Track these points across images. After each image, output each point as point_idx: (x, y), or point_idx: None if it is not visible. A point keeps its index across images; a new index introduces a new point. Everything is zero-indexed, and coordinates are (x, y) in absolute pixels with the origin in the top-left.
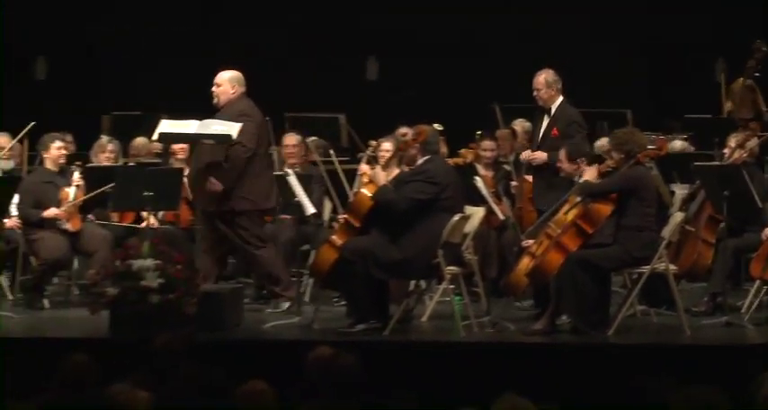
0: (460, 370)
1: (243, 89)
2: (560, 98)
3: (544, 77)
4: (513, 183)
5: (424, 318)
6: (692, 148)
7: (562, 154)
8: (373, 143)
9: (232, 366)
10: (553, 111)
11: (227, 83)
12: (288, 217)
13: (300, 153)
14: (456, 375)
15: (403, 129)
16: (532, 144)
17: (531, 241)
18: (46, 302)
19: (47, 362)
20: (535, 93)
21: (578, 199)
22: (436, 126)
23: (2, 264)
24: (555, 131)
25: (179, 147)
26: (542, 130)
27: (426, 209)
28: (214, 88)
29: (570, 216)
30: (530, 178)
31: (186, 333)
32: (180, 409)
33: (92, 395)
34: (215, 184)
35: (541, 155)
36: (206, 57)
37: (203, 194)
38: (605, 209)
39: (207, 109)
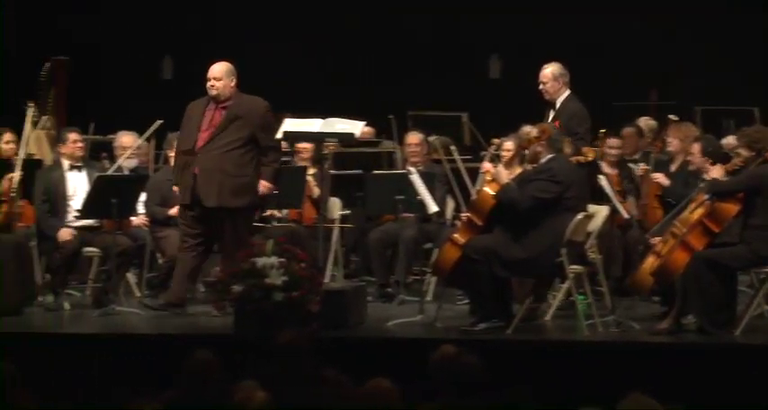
0: (584, 370)
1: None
2: (566, 92)
3: (551, 71)
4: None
5: (548, 317)
6: None
7: (695, 148)
8: (496, 141)
9: (355, 364)
10: (558, 104)
11: (226, 76)
12: (410, 215)
13: (423, 151)
14: (580, 374)
15: (527, 128)
16: None
17: (657, 239)
18: None
19: (172, 359)
20: (541, 86)
21: (705, 197)
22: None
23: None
24: (557, 125)
25: (302, 147)
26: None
27: (550, 207)
28: (213, 82)
29: (696, 214)
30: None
31: (310, 330)
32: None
33: (216, 392)
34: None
35: None
36: (327, 55)
37: (221, 190)
38: (732, 208)
39: (328, 108)
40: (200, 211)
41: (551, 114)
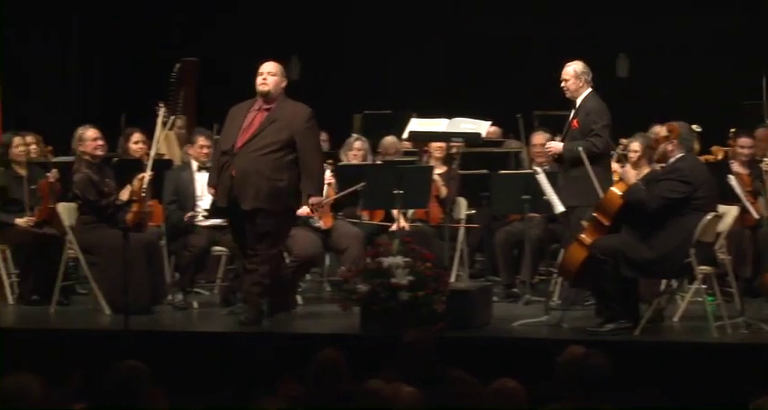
0: (713, 372)
1: None
2: (588, 90)
3: (573, 68)
4: None
5: (676, 318)
6: None
7: None
8: (623, 141)
9: (481, 364)
10: (578, 102)
11: (280, 74)
12: (537, 215)
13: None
14: (709, 376)
15: (656, 128)
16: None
17: None
18: (299, 298)
19: (299, 357)
20: (563, 84)
21: None
22: (694, 127)
23: None
24: (575, 123)
25: (435, 146)
26: (568, 122)
27: (678, 207)
28: (267, 76)
29: None
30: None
31: (435, 330)
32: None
33: (342, 390)
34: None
35: (556, 147)
36: (454, 54)
37: (257, 192)
38: None
39: (454, 108)
40: (240, 214)
41: (572, 113)
